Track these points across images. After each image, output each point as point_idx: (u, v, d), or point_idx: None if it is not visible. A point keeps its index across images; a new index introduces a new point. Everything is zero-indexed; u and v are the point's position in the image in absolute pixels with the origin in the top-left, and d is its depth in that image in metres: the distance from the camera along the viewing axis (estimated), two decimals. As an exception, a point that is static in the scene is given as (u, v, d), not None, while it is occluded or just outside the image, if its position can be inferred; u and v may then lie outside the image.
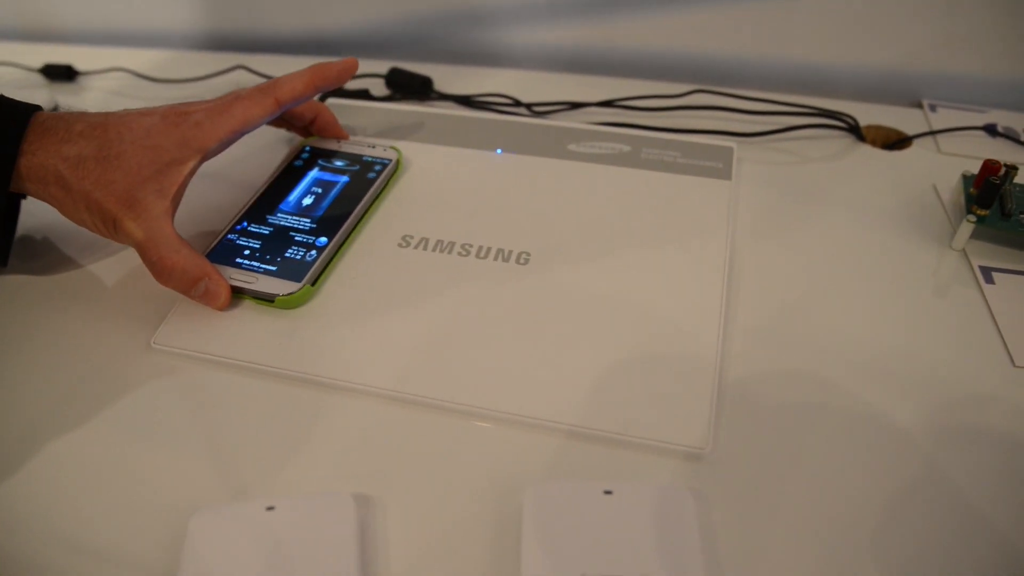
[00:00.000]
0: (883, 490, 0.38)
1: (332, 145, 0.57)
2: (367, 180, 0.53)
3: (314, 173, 0.54)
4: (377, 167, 0.54)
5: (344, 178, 0.53)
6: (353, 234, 0.50)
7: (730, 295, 0.47)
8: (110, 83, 0.76)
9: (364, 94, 0.68)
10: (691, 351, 0.43)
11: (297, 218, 0.50)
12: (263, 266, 0.47)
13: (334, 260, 0.49)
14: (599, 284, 0.47)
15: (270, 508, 0.37)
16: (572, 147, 0.58)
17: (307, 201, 0.52)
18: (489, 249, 0.49)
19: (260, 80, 0.74)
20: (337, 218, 0.50)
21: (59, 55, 0.79)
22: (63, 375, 0.45)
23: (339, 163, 0.55)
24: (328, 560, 0.35)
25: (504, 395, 0.41)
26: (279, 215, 0.51)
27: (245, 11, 0.83)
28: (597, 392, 0.41)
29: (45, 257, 0.53)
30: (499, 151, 0.58)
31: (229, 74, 0.74)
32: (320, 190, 0.52)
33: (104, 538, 0.37)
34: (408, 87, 0.69)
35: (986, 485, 0.38)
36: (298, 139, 0.59)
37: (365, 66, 0.72)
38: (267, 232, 0.49)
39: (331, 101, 0.65)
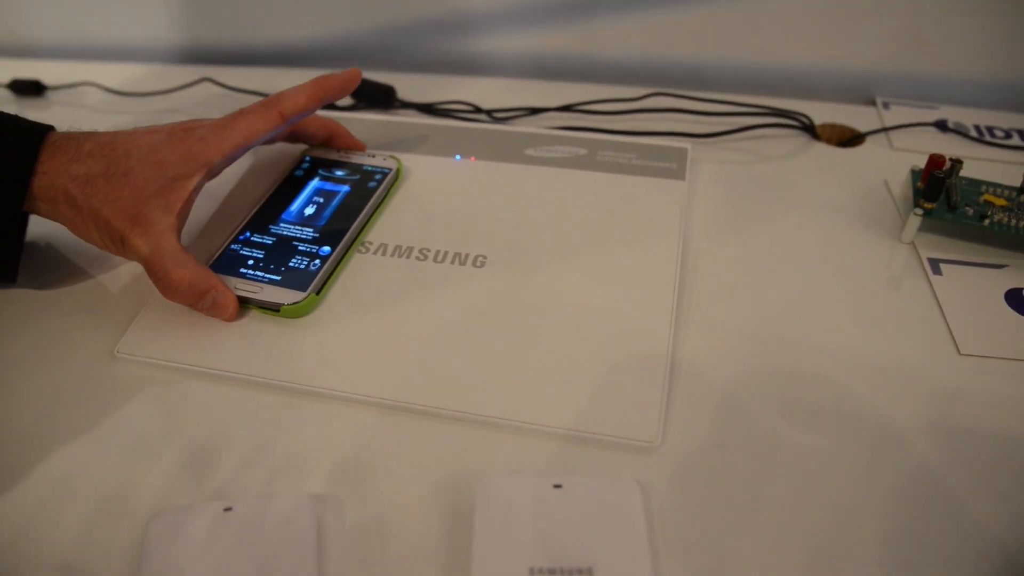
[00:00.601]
0: (831, 480, 0.39)
1: (332, 155, 0.58)
2: (368, 189, 0.54)
3: (315, 183, 0.55)
4: (378, 176, 0.55)
5: (345, 187, 0.54)
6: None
7: (682, 292, 0.48)
8: (78, 98, 0.77)
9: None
10: (643, 348, 0.44)
11: (299, 228, 0.51)
12: (267, 276, 0.48)
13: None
14: (555, 285, 0.48)
15: (228, 509, 0.37)
16: (530, 152, 0.59)
17: (309, 211, 0.52)
18: (446, 253, 0.50)
19: (227, 92, 0.75)
20: (339, 228, 0.51)
21: (26, 70, 0.80)
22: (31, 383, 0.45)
23: (340, 172, 0.56)
24: (287, 559, 0.35)
25: (460, 395, 0.42)
26: (281, 225, 0.51)
27: (212, 23, 0.84)
28: (552, 390, 0.42)
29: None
30: (457, 157, 0.59)
31: (195, 87, 0.75)
32: (322, 200, 0.53)
33: (67, 548, 0.38)
34: (372, 97, 0.70)
35: (931, 469, 0.39)
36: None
37: (329, 76, 0.73)
38: (270, 242, 0.50)
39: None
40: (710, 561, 0.36)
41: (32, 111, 0.72)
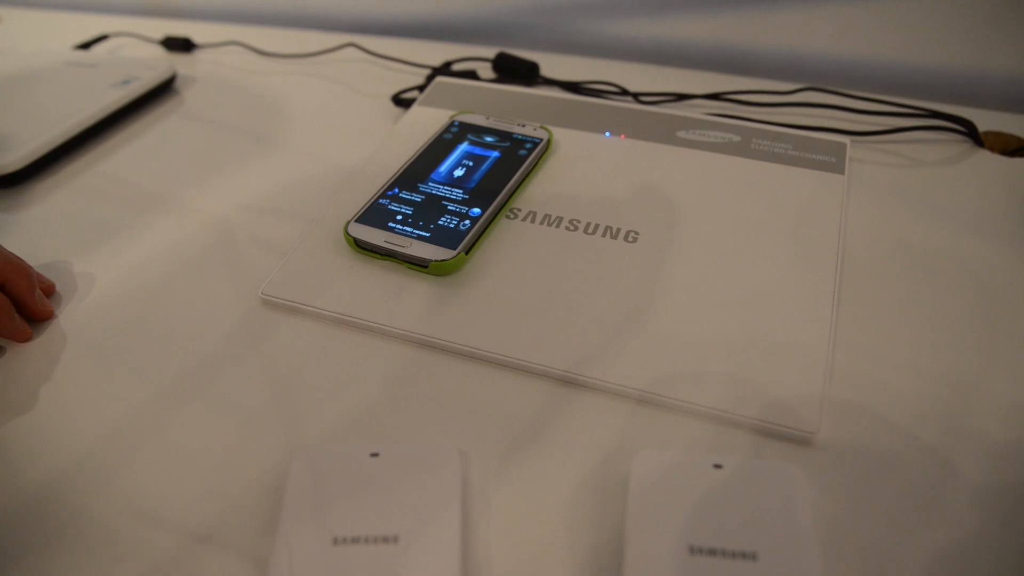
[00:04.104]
0: (999, 486, 0.36)
1: (481, 121, 0.58)
2: (518, 157, 0.54)
3: (464, 147, 0.55)
4: (528, 145, 0.55)
5: (495, 153, 0.54)
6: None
7: (843, 287, 0.46)
8: (225, 56, 0.79)
9: (471, 75, 0.69)
10: (803, 338, 0.42)
11: (449, 188, 0.51)
12: (416, 231, 0.48)
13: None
14: (710, 266, 0.47)
15: (374, 455, 0.37)
16: (681, 134, 0.57)
17: (458, 173, 0.53)
18: (597, 226, 0.49)
19: (370, 59, 0.75)
20: (489, 191, 0.51)
21: (178, 29, 0.83)
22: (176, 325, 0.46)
23: (489, 139, 0.56)
24: (431, 508, 0.35)
25: (610, 367, 0.41)
26: (431, 184, 0.52)
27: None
28: (707, 371, 0.41)
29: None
30: (607, 134, 0.58)
31: (340, 51, 0.76)
32: (471, 163, 0.54)
33: (212, 479, 0.39)
34: (515, 71, 0.70)
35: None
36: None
37: (473, 50, 0.73)
38: (419, 199, 0.50)
39: (440, 80, 0.66)
40: (875, 565, 0.34)
41: (181, 67, 0.75)
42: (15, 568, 0.35)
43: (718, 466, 0.36)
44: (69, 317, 0.48)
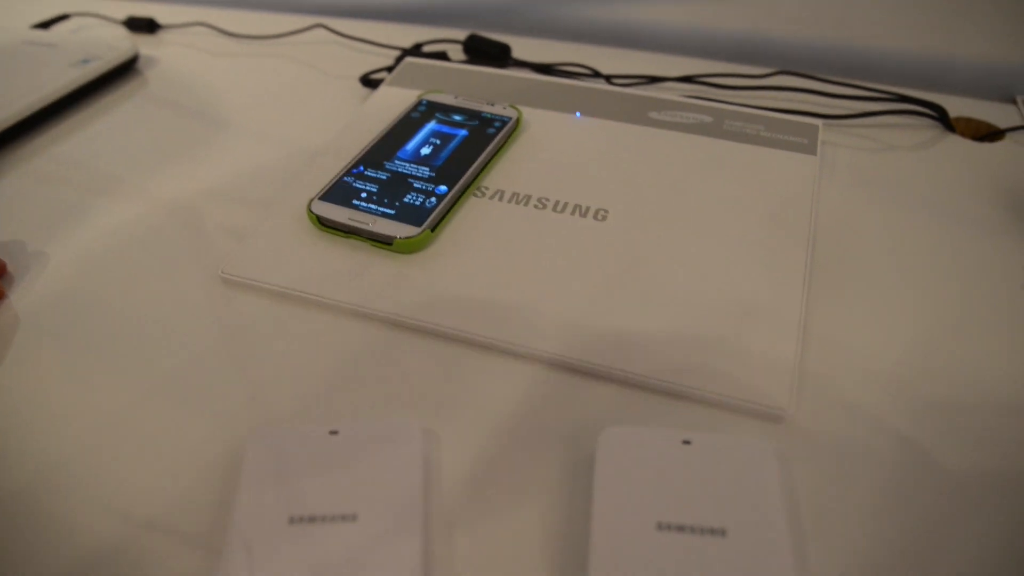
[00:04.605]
0: (969, 466, 0.36)
1: (449, 100, 0.57)
2: (486, 135, 0.53)
3: (432, 125, 0.54)
4: (497, 124, 0.54)
5: (463, 132, 0.53)
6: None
7: (814, 266, 0.46)
8: (190, 38, 0.77)
9: (442, 56, 0.68)
10: (774, 317, 0.42)
11: (415, 166, 0.50)
12: (381, 209, 0.47)
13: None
14: (681, 245, 0.46)
15: (333, 432, 0.36)
16: (653, 115, 0.57)
17: (425, 151, 0.52)
18: (566, 204, 0.48)
19: (339, 40, 0.74)
20: (457, 169, 0.50)
21: (142, 9, 0.81)
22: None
23: (457, 117, 0.55)
24: (391, 486, 0.34)
25: (578, 344, 0.40)
26: (396, 162, 0.51)
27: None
28: (676, 348, 0.40)
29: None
30: (578, 114, 0.57)
31: (309, 32, 0.75)
32: (438, 141, 0.53)
33: (168, 459, 0.37)
34: (486, 53, 0.68)
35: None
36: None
37: (444, 32, 0.72)
38: (384, 177, 0.49)
39: (409, 60, 0.65)
40: (848, 542, 0.33)
41: (144, 48, 0.73)
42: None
43: (687, 442, 0.35)
44: (22, 297, 0.46)
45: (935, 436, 0.37)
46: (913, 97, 0.63)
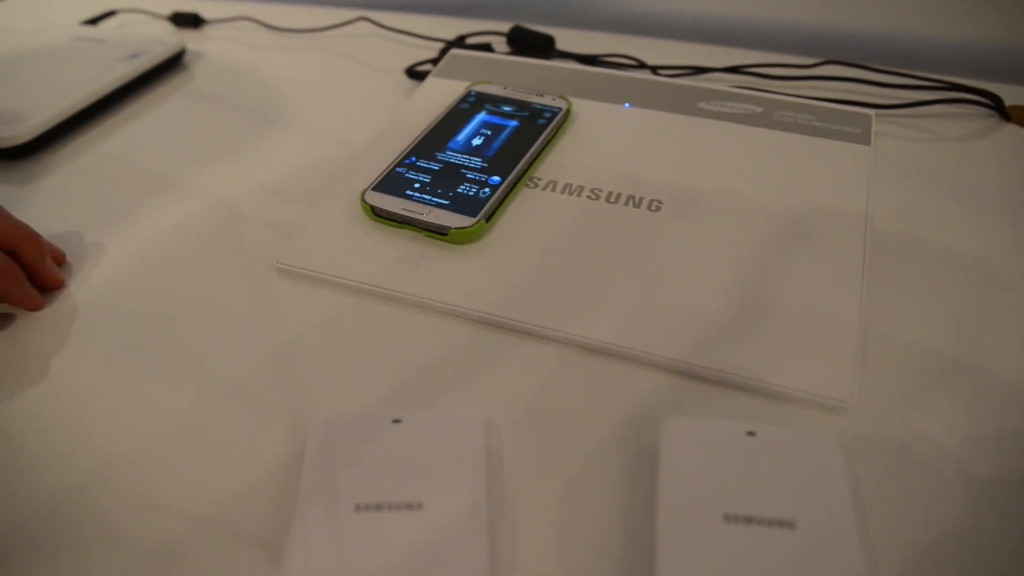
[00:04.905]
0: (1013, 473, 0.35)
1: (498, 91, 0.57)
2: (537, 126, 0.53)
3: (482, 116, 0.54)
4: (547, 114, 0.54)
5: (514, 123, 0.53)
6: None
7: (871, 259, 0.45)
8: (235, 32, 0.78)
9: (486, 48, 0.68)
10: (833, 308, 0.41)
11: (467, 156, 0.50)
12: (435, 199, 0.47)
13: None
14: (736, 236, 0.45)
15: (396, 421, 0.36)
16: (703, 105, 0.56)
17: (476, 142, 0.52)
18: (619, 195, 0.48)
19: (383, 32, 0.74)
20: (510, 160, 0.50)
21: (187, 4, 0.81)
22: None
23: (507, 108, 0.55)
24: (456, 475, 0.34)
25: (639, 335, 0.40)
26: (448, 152, 0.51)
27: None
28: (737, 339, 0.40)
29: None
30: (627, 105, 0.57)
31: (352, 25, 0.75)
32: (489, 132, 0.53)
33: (228, 455, 0.38)
34: (530, 45, 0.68)
35: None
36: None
37: (487, 24, 0.72)
38: (437, 168, 0.49)
39: (454, 52, 0.65)
40: (910, 535, 0.33)
41: (190, 43, 0.73)
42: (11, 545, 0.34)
43: (751, 433, 0.35)
44: (80, 287, 0.47)
45: (995, 431, 0.37)
46: (967, 86, 0.61)
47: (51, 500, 0.36)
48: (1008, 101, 0.61)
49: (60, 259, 0.48)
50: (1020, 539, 0.33)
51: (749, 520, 0.31)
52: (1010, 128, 0.59)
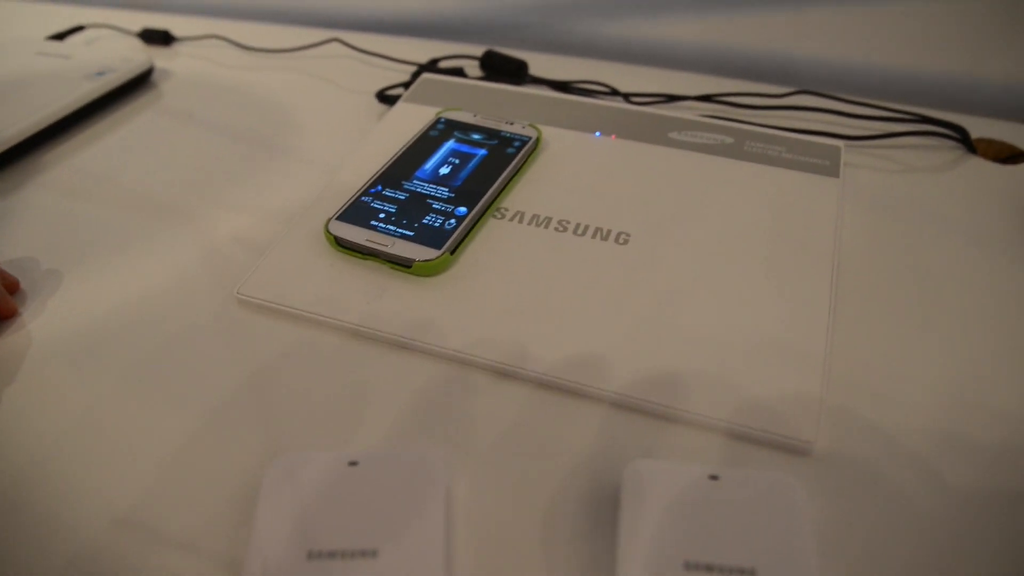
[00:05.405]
0: (1001, 499, 0.35)
1: (468, 118, 0.56)
2: (506, 155, 0.52)
3: (450, 144, 0.54)
4: (516, 143, 0.53)
5: (482, 151, 0.53)
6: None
7: (839, 294, 0.45)
8: (205, 51, 0.77)
9: (458, 72, 0.68)
10: (799, 346, 0.41)
11: (434, 186, 0.50)
12: (400, 230, 0.46)
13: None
14: (704, 270, 0.45)
15: (353, 463, 0.35)
16: (673, 135, 0.56)
17: (444, 171, 0.51)
18: (587, 227, 0.48)
19: (355, 55, 0.74)
20: (476, 190, 0.49)
21: (157, 21, 0.80)
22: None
23: (476, 136, 0.54)
24: (412, 521, 0.33)
25: (601, 373, 0.40)
26: (415, 182, 0.50)
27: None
28: (699, 378, 0.40)
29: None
30: (597, 134, 0.57)
31: (324, 47, 0.74)
32: (457, 161, 0.52)
33: (184, 484, 0.37)
34: (503, 70, 0.68)
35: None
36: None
37: (460, 48, 0.72)
38: (403, 197, 0.49)
39: (426, 76, 0.64)
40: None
41: (159, 60, 0.72)
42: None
43: (714, 477, 0.34)
44: (34, 316, 0.46)
45: (962, 468, 0.37)
46: (934, 118, 0.62)
47: (5, 521, 0.35)
48: (974, 133, 0.62)
49: (14, 287, 0.47)
50: (983, 585, 0.33)
51: (710, 568, 0.31)
52: (976, 161, 0.60)
